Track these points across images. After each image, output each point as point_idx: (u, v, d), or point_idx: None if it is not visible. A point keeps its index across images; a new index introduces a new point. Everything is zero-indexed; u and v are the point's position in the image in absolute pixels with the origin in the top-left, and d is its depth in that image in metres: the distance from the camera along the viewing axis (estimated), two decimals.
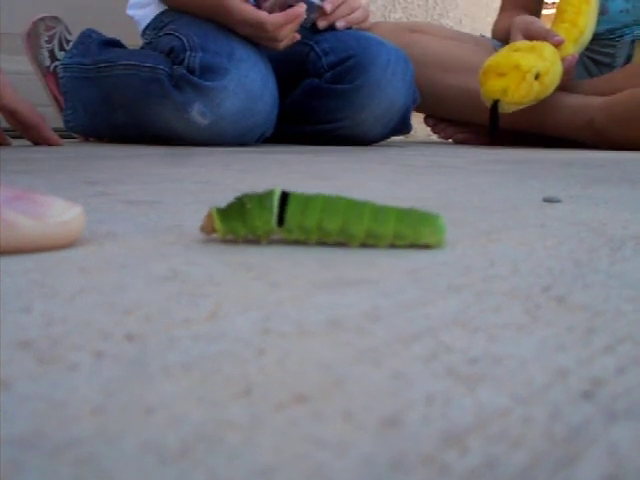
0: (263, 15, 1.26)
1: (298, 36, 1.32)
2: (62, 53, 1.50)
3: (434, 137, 2.01)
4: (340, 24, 1.40)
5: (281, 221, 0.35)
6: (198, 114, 1.25)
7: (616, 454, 0.15)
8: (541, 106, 1.50)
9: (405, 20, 2.41)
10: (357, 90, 1.36)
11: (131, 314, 0.24)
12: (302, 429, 0.16)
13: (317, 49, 1.41)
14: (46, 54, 1.51)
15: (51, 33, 1.52)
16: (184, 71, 1.26)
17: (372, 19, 1.71)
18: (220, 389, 0.18)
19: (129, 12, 1.54)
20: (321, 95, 1.39)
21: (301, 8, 1.28)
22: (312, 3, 1.34)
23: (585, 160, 1.13)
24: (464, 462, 0.15)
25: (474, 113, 1.58)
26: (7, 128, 1.24)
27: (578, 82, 1.61)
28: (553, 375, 0.19)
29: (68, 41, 1.52)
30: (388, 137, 1.48)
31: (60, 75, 1.47)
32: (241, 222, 0.35)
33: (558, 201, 0.55)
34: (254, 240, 0.36)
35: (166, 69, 1.29)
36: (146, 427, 0.16)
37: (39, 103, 1.52)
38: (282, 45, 1.31)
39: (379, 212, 0.35)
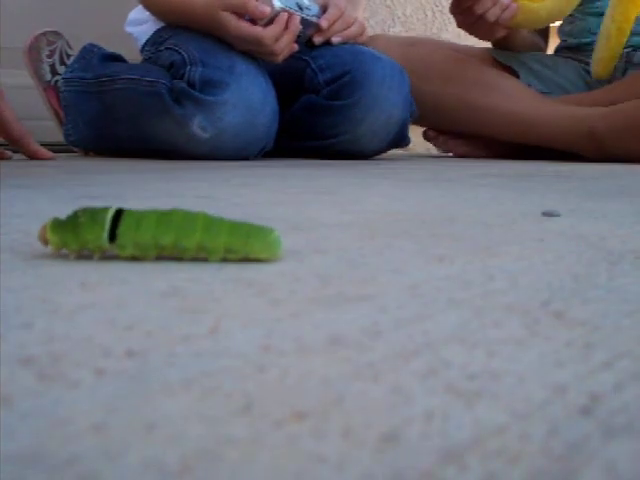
0: (258, 30, 1.27)
1: (296, 47, 1.33)
2: (63, 67, 1.51)
3: (433, 150, 2.02)
4: (336, 39, 1.41)
5: (114, 237, 0.35)
6: (199, 128, 1.25)
7: (614, 470, 0.15)
8: (539, 116, 1.50)
9: (405, 34, 2.41)
10: (354, 105, 1.36)
11: (132, 330, 0.24)
12: (302, 446, 0.16)
13: (313, 65, 1.41)
14: (47, 68, 1.52)
15: (52, 47, 1.52)
16: (184, 85, 1.26)
17: (371, 33, 1.72)
18: (220, 406, 0.18)
19: (127, 29, 1.54)
20: (319, 111, 1.40)
21: (295, 18, 1.29)
22: (308, 20, 1.35)
23: (583, 173, 1.13)
24: (463, 478, 0.15)
25: (475, 125, 1.58)
26: (6, 142, 1.24)
27: (577, 96, 1.61)
28: (551, 391, 0.19)
29: (69, 55, 1.53)
30: (386, 151, 1.48)
31: (61, 89, 1.47)
32: (73, 235, 0.35)
33: (557, 215, 0.55)
34: (86, 255, 0.36)
35: (167, 83, 1.29)
36: (147, 444, 0.16)
37: (39, 117, 1.53)
38: (281, 58, 1.32)
39: (212, 225, 0.35)
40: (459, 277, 0.33)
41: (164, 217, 0.35)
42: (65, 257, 0.36)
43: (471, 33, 1.57)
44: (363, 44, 1.44)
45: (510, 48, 1.70)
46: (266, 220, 0.50)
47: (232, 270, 0.34)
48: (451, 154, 1.76)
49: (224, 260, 0.35)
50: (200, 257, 0.35)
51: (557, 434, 0.17)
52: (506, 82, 1.59)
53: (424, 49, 1.64)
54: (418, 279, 0.33)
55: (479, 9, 1.46)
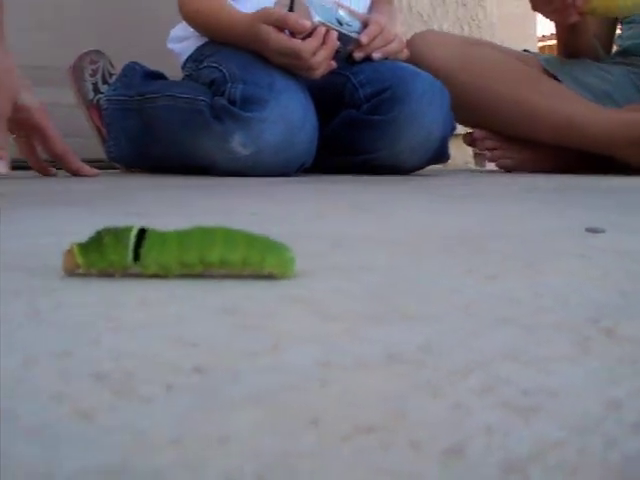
0: (297, 42, 1.28)
1: (334, 64, 1.34)
2: (105, 86, 1.53)
3: (472, 165, 2.01)
4: (376, 55, 1.42)
5: (137, 257, 0.35)
6: (239, 145, 1.27)
7: None
8: (596, 121, 1.49)
9: None
10: (393, 121, 1.37)
11: (196, 347, 0.25)
12: (370, 459, 0.17)
13: (354, 81, 1.42)
14: (90, 87, 1.55)
15: (95, 67, 1.55)
16: (225, 102, 1.28)
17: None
18: (288, 420, 0.19)
19: (169, 46, 1.57)
20: (359, 126, 1.41)
21: (333, 33, 1.30)
22: (348, 35, 1.36)
23: (627, 186, 1.13)
24: None
25: (530, 129, 1.56)
26: (50, 159, 1.27)
27: (631, 105, 1.59)
28: (606, 406, 0.20)
29: (111, 74, 1.56)
30: (426, 166, 1.49)
31: (103, 107, 1.50)
32: (99, 256, 0.36)
33: (602, 231, 0.55)
34: (110, 274, 0.36)
35: (207, 100, 1.31)
36: (223, 457, 0.17)
37: (82, 134, 1.55)
38: (318, 73, 1.33)
39: (230, 238, 0.36)
40: (507, 294, 0.34)
41: (185, 235, 0.36)
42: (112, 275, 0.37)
43: (546, 15, 1.57)
44: (402, 60, 1.45)
45: (576, 43, 1.69)
46: (309, 237, 0.51)
47: (284, 287, 0.35)
48: (489, 168, 1.75)
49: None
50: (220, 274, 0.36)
51: (614, 448, 0.18)
52: (560, 87, 1.58)
53: (482, 49, 1.63)
54: (467, 296, 0.33)
55: None
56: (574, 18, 1.54)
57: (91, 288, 0.35)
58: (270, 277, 0.36)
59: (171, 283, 0.36)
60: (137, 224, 0.36)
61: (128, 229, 0.36)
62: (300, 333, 0.27)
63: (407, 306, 0.31)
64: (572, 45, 1.70)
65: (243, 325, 0.28)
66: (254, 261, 0.36)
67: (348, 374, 0.22)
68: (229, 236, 0.36)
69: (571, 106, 1.53)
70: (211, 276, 0.37)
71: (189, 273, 0.36)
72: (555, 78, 1.63)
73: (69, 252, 0.36)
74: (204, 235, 0.36)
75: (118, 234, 0.36)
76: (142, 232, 0.36)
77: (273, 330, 0.27)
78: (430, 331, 0.27)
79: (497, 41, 1.77)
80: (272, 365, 0.23)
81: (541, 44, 4.21)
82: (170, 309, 0.31)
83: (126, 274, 0.37)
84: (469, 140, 1.68)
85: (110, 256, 0.36)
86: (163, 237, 0.36)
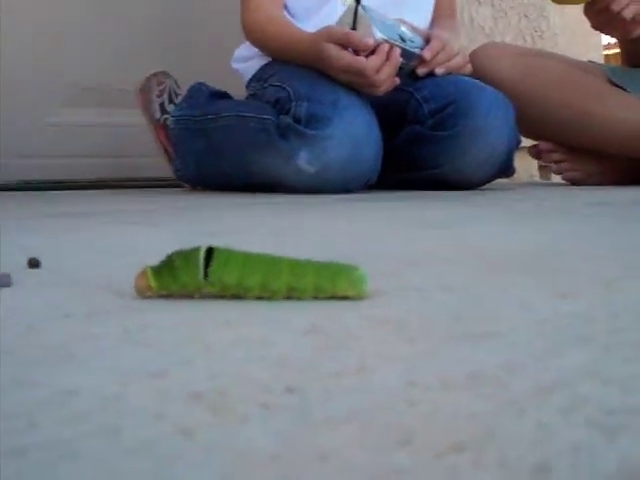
0: (361, 60, 1.29)
1: (397, 80, 1.35)
2: (171, 106, 1.56)
3: (537, 177, 2.00)
4: (439, 71, 1.42)
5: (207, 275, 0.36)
6: (305, 162, 1.28)
7: None
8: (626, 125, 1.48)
9: None
10: (458, 136, 1.37)
11: (284, 367, 0.26)
12: (463, 476, 0.18)
13: (417, 96, 1.43)
14: (157, 107, 1.58)
15: (162, 87, 1.58)
16: (290, 121, 1.30)
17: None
18: (382, 438, 0.20)
19: (234, 65, 1.59)
20: (423, 142, 1.41)
21: (396, 49, 1.30)
22: (411, 52, 1.37)
23: None
24: None
25: (596, 140, 1.55)
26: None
27: None
28: None
29: (177, 94, 1.59)
30: (491, 181, 1.48)
31: (170, 127, 1.52)
32: (172, 279, 0.37)
33: None
34: (188, 295, 0.38)
35: (272, 119, 1.33)
36: (324, 473, 0.18)
37: (150, 154, 1.59)
38: (382, 90, 1.33)
39: (297, 267, 0.36)
40: (583, 313, 0.35)
41: (250, 259, 0.37)
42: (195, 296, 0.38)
43: (607, 33, 1.55)
44: (466, 75, 1.45)
45: (638, 52, 1.67)
46: (381, 256, 0.52)
47: (364, 308, 0.36)
48: (554, 180, 1.73)
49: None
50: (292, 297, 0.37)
51: None
52: (627, 97, 1.57)
53: (545, 60, 1.62)
54: (544, 315, 0.34)
55: (616, 7, 1.45)
56: (638, 31, 1.52)
57: (174, 309, 0.36)
58: (331, 298, 0.37)
59: (251, 304, 0.37)
60: (208, 243, 0.38)
61: (197, 250, 0.37)
62: (384, 353, 0.28)
63: (485, 325, 0.32)
64: (635, 54, 1.68)
65: (328, 346, 0.29)
66: (326, 288, 0.37)
67: (434, 394, 0.23)
68: (296, 265, 0.37)
69: (638, 116, 1.52)
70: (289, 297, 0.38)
71: (246, 296, 0.37)
72: (621, 88, 1.62)
73: (142, 274, 0.38)
74: (270, 262, 0.37)
75: (188, 255, 0.37)
76: (210, 251, 0.37)
77: (358, 351, 0.28)
78: (509, 350, 0.28)
79: (560, 52, 1.76)
80: (360, 385, 0.24)
81: (606, 52, 4.15)
82: (255, 330, 0.32)
83: (201, 295, 0.38)
84: (535, 152, 1.66)
85: (183, 278, 0.37)
86: (228, 257, 0.37)
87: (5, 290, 0.41)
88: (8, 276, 0.43)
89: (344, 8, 1.38)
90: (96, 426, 0.21)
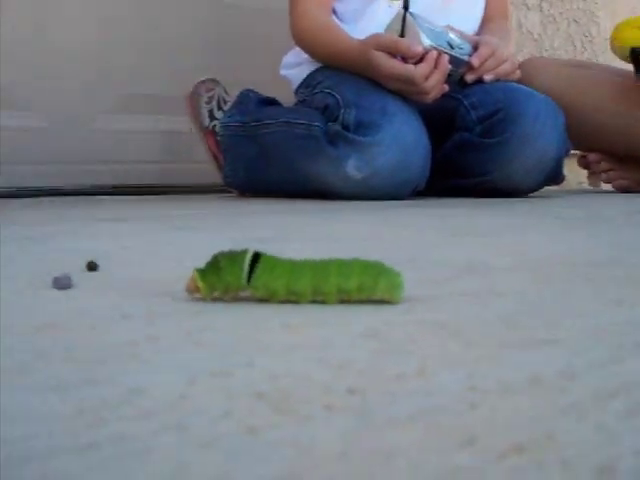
0: (410, 68, 1.29)
1: (446, 87, 1.34)
2: (220, 112, 1.58)
3: (586, 185, 1.97)
4: (488, 77, 1.41)
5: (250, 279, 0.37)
6: (354, 169, 1.29)
7: None
8: None
9: None
10: (507, 142, 1.36)
11: (344, 369, 0.27)
12: (525, 477, 0.18)
13: (466, 103, 1.42)
14: (206, 114, 1.59)
15: (210, 94, 1.60)
16: (339, 127, 1.30)
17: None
18: (445, 439, 0.20)
19: (282, 72, 1.60)
20: (471, 148, 1.40)
21: (444, 56, 1.30)
22: (459, 58, 1.37)
23: None
24: None
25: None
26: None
27: None
28: None
29: (226, 101, 1.60)
30: (540, 188, 1.47)
31: (219, 134, 1.54)
32: (216, 278, 0.38)
33: None
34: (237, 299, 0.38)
35: (321, 126, 1.33)
36: (390, 471, 0.18)
37: (199, 160, 1.60)
38: (431, 97, 1.33)
39: (344, 267, 0.37)
40: (638, 320, 0.35)
41: (297, 266, 0.37)
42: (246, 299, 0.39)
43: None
44: (516, 81, 1.44)
45: None
46: (434, 263, 0.52)
47: (419, 312, 0.36)
48: (602, 188, 1.72)
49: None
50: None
51: None
52: None
53: (591, 70, 1.61)
54: (600, 322, 0.34)
55: None
56: None
57: (229, 312, 0.37)
58: (381, 302, 0.37)
59: (304, 308, 0.37)
60: (255, 249, 0.38)
61: (243, 252, 0.38)
62: (443, 358, 0.28)
63: (541, 331, 0.32)
64: None
65: (386, 349, 0.29)
66: (368, 286, 0.37)
67: (494, 397, 0.24)
68: (343, 265, 0.37)
69: None
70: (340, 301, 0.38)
71: (296, 300, 0.38)
72: None
73: (191, 277, 0.39)
74: (318, 266, 0.37)
75: (234, 257, 0.38)
76: (257, 256, 0.38)
77: (417, 354, 0.28)
78: (567, 356, 0.28)
79: (610, 57, 1.74)
80: (421, 388, 0.24)
81: None
82: (314, 333, 0.32)
83: (240, 298, 0.39)
84: (584, 163, 1.65)
85: (226, 277, 0.38)
86: (275, 263, 0.38)
87: (66, 292, 0.42)
88: (69, 278, 0.44)
89: (388, 7, 1.38)
90: (164, 423, 0.22)
